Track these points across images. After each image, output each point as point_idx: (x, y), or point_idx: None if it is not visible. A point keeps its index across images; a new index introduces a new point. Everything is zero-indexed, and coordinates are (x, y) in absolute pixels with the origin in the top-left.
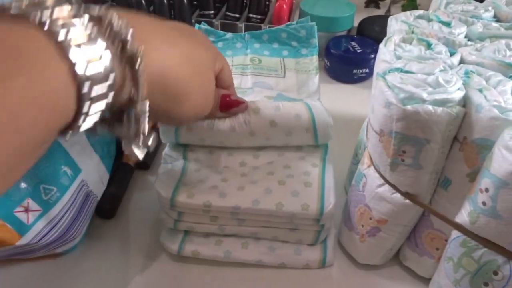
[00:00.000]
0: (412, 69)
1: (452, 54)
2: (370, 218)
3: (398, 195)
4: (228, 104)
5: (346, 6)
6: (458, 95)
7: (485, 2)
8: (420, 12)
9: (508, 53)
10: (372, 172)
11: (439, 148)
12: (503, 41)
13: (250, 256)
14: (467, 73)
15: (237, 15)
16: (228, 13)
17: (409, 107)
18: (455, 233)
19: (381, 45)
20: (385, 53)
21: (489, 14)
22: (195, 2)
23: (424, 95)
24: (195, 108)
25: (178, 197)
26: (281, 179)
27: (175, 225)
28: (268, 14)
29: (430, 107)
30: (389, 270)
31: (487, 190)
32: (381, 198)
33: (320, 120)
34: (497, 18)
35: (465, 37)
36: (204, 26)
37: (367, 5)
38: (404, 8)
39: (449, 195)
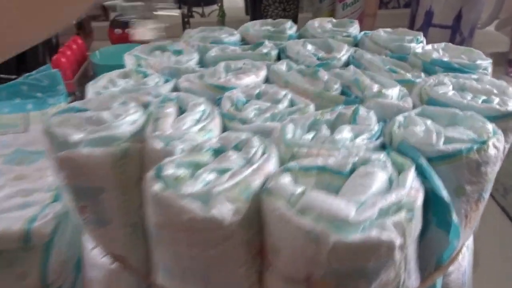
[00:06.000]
0: (88, 106)
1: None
2: None
3: (106, 259)
4: None
5: None
6: (126, 130)
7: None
8: (160, 43)
9: (223, 75)
10: (86, 234)
11: (120, 195)
12: (222, 64)
13: None
14: (163, 102)
15: (14, 76)
16: (1, 76)
17: (62, 153)
18: None
19: (89, 84)
20: (89, 92)
21: (234, 38)
22: None
23: (77, 137)
24: None
25: None
26: None
27: None
28: None
29: (85, 149)
30: None
31: None
32: (93, 264)
33: None
34: (245, 41)
35: (199, 63)
36: None
37: None
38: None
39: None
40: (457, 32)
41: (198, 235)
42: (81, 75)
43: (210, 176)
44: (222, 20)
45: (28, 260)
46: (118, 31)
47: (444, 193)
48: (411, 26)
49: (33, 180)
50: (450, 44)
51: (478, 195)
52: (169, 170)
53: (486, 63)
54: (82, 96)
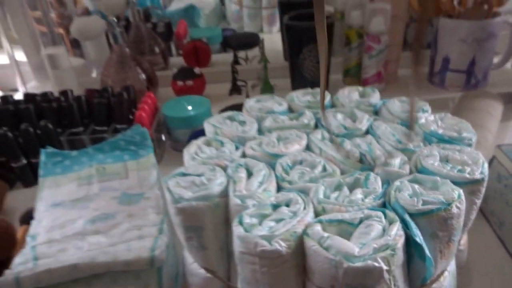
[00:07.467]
0: (190, 171)
1: (238, 149)
2: None
3: (202, 270)
4: None
5: (203, 103)
6: (217, 190)
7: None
8: (230, 113)
9: (276, 144)
10: (187, 252)
11: (213, 231)
12: (275, 134)
13: None
14: (236, 167)
15: (105, 128)
16: (96, 128)
17: (179, 205)
18: None
19: (185, 150)
20: (185, 156)
21: (282, 108)
22: (65, 122)
23: (188, 195)
24: None
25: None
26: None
27: None
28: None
29: (194, 203)
30: None
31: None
32: (192, 273)
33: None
34: (290, 110)
35: (258, 131)
36: (50, 149)
37: (230, 93)
38: (262, 92)
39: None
40: (472, 75)
41: (265, 260)
42: (156, 124)
43: (271, 224)
44: (265, 68)
45: (150, 275)
46: (180, 83)
47: (418, 239)
48: (431, 70)
49: (140, 217)
50: (448, 115)
51: (448, 238)
52: (246, 219)
53: (470, 135)
54: (158, 144)
